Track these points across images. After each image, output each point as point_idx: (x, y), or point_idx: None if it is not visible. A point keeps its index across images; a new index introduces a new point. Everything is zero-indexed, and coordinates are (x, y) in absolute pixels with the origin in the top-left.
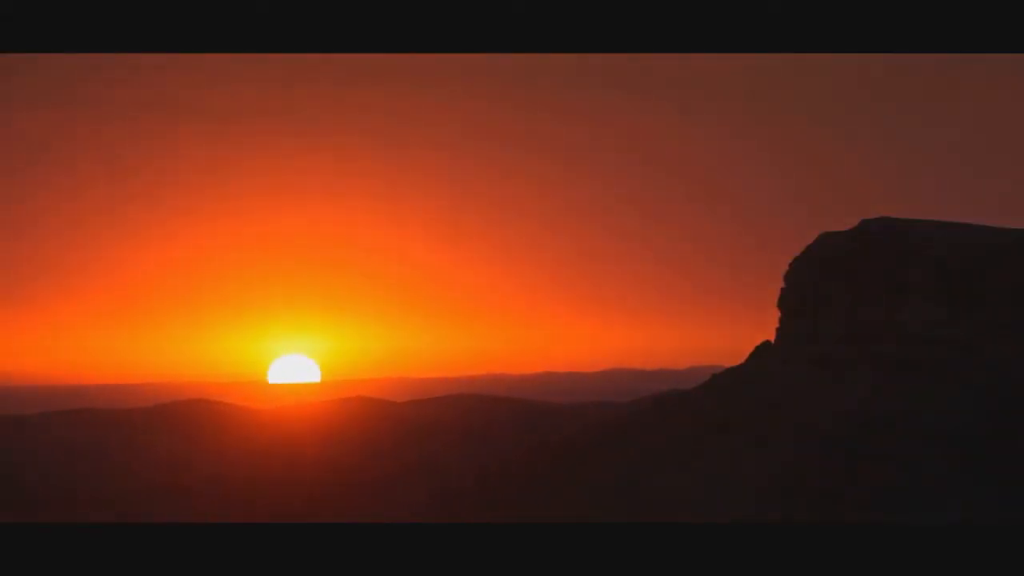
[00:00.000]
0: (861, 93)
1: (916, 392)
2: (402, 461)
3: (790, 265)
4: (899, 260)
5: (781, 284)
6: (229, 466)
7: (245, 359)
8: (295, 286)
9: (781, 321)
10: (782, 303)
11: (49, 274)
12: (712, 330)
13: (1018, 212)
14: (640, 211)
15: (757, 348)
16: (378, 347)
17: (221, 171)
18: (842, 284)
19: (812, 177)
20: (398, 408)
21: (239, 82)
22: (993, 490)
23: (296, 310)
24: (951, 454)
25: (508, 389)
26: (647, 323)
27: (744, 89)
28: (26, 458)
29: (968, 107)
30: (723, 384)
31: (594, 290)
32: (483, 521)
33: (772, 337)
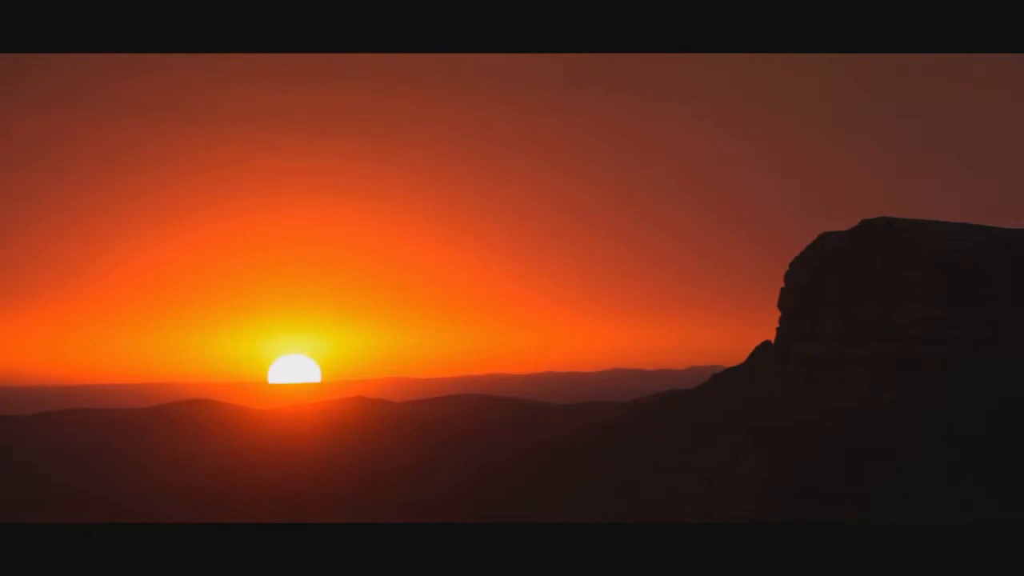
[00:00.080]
0: (861, 93)
1: (916, 392)
2: (402, 461)
3: (790, 265)
4: (899, 260)
5: (781, 284)
6: (230, 466)
7: (245, 359)
8: (295, 286)
9: (781, 321)
10: (782, 303)
11: (49, 274)
12: (712, 330)
13: (1018, 212)
14: (640, 212)
15: (757, 348)
16: (378, 347)
17: (222, 172)
18: (842, 284)
19: (812, 177)
20: (398, 408)
21: (239, 82)
22: (993, 490)
23: (296, 310)
24: (951, 454)
25: (508, 389)
26: (647, 323)
27: (744, 89)
28: (26, 458)
29: (968, 107)
30: (723, 384)
31: (594, 290)
32: (483, 521)
33: (772, 337)
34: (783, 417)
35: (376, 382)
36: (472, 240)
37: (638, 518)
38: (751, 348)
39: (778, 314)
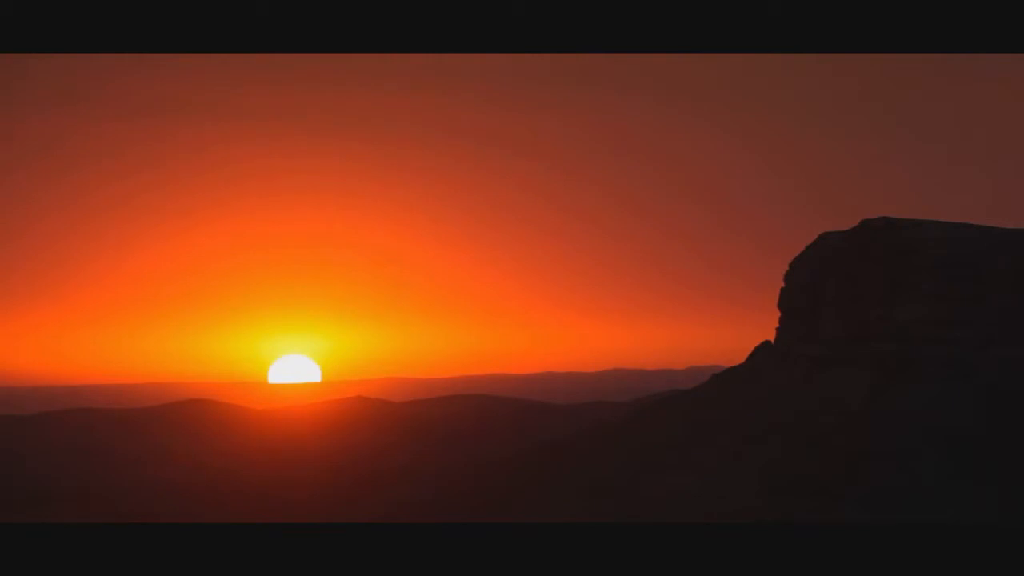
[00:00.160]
0: (861, 93)
1: (916, 392)
2: (402, 461)
3: (790, 265)
4: (899, 260)
5: (781, 284)
6: (229, 466)
7: (246, 359)
8: (295, 286)
9: (781, 321)
10: (782, 303)
11: (49, 274)
12: (712, 330)
13: (1018, 212)
14: (640, 211)
15: (757, 348)
16: (378, 347)
17: (221, 171)
18: (842, 284)
19: (812, 177)
20: (398, 408)
21: (239, 82)
22: (993, 490)
23: (296, 310)
24: (951, 454)
25: (508, 389)
26: (647, 323)
27: (744, 89)
28: (26, 458)
29: (968, 107)
30: (723, 384)
31: (594, 290)
32: (482, 521)
33: (772, 337)
34: (783, 417)
35: (376, 382)
36: (472, 240)
37: (638, 518)
38: (751, 348)
39: (778, 314)
